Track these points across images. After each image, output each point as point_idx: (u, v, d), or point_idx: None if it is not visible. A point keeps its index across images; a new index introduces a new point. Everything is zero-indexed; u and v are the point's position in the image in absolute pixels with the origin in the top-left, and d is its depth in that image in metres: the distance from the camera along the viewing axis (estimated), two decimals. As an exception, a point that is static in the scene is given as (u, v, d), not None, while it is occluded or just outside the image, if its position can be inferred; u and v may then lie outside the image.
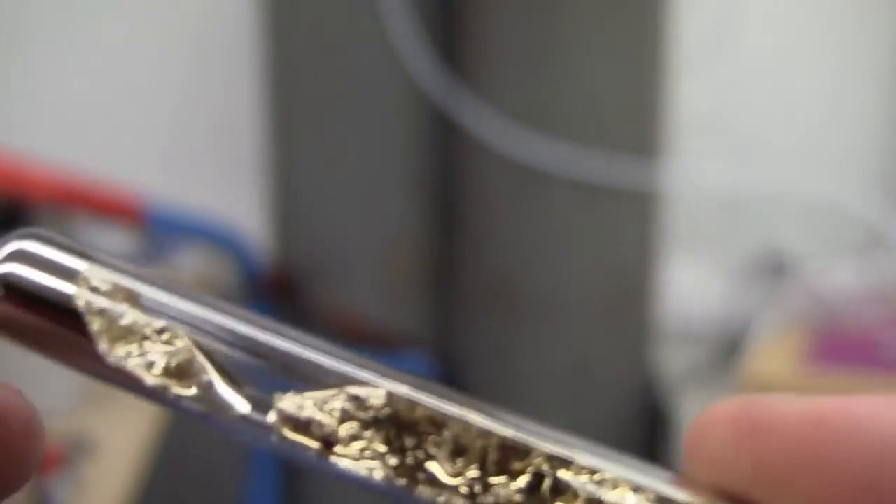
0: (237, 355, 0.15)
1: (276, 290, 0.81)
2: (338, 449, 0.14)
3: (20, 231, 0.15)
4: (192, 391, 0.15)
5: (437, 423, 0.14)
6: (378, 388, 0.14)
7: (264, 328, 0.15)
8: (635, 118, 0.78)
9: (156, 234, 0.84)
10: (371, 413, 0.14)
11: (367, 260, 0.79)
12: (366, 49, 0.77)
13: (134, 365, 0.15)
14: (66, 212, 0.78)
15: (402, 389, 0.14)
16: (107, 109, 0.99)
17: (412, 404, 0.14)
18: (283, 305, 0.81)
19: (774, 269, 0.85)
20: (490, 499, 0.14)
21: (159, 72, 0.99)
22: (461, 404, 0.14)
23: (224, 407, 0.15)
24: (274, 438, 0.15)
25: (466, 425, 0.14)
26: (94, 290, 0.15)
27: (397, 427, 0.14)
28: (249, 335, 0.15)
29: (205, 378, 0.15)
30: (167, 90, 0.99)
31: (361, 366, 0.15)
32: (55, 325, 0.15)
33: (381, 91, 0.78)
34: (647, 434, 0.83)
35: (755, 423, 0.13)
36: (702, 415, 0.13)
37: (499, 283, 0.79)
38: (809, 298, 0.76)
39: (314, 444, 0.14)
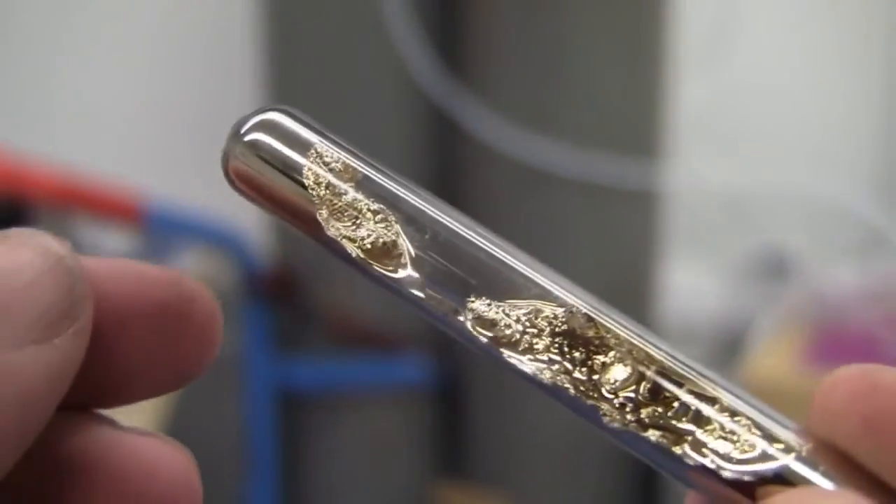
0: (438, 249, 0.17)
1: (276, 290, 0.81)
2: (512, 349, 0.16)
3: (269, 105, 0.17)
4: (392, 271, 0.17)
5: (606, 343, 0.16)
6: (561, 305, 0.17)
7: (469, 230, 0.17)
8: (636, 118, 0.78)
9: (156, 234, 0.84)
10: (551, 325, 0.17)
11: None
12: (366, 49, 0.77)
13: (345, 237, 0.17)
14: (66, 212, 0.78)
15: (582, 308, 0.17)
16: (107, 109, 0.99)
17: (589, 323, 0.17)
18: (283, 305, 0.81)
19: (774, 269, 0.86)
20: (638, 415, 0.16)
21: (159, 72, 0.99)
22: (630, 328, 0.17)
23: (412, 289, 0.17)
24: (458, 325, 0.17)
25: (631, 347, 0.16)
26: (326, 164, 0.17)
27: (571, 339, 0.16)
28: (453, 237, 0.17)
29: (403, 261, 0.17)
30: (167, 90, 0.99)
31: (552, 281, 0.17)
32: (288, 190, 0.17)
33: (381, 91, 0.78)
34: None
35: (872, 384, 0.15)
36: (831, 375, 0.15)
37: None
38: (809, 298, 0.76)
39: (489, 340, 0.16)
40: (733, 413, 0.15)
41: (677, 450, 0.15)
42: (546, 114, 0.76)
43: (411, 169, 0.81)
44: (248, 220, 0.86)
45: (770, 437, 0.15)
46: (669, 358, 0.16)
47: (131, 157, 0.98)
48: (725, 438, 0.15)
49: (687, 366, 0.16)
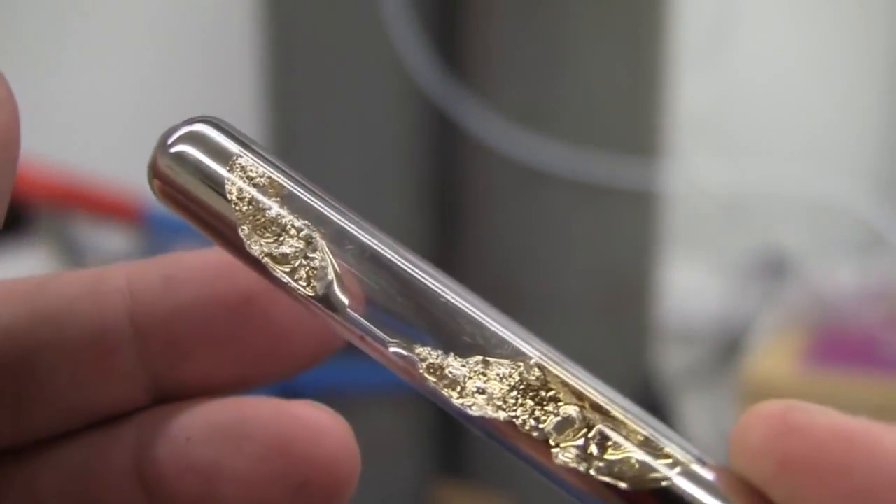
0: (369, 276, 0.16)
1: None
2: (454, 392, 0.16)
3: (198, 116, 0.17)
4: (312, 293, 0.16)
5: (559, 397, 0.16)
6: (513, 364, 0.16)
7: (399, 254, 0.16)
8: (635, 118, 0.78)
9: (156, 234, 0.84)
10: (504, 379, 0.16)
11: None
12: (366, 49, 0.77)
13: (266, 254, 0.16)
14: (65, 212, 0.78)
15: (534, 367, 0.16)
16: (107, 109, 0.99)
17: (543, 377, 0.16)
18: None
19: (774, 269, 0.85)
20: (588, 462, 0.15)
21: (159, 72, 0.99)
22: (579, 377, 0.16)
23: (339, 312, 0.16)
24: (393, 360, 0.16)
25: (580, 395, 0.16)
26: (250, 178, 0.16)
27: (521, 388, 0.16)
28: (383, 258, 0.16)
29: (328, 281, 0.16)
30: (167, 90, 0.99)
31: (495, 323, 0.16)
32: (210, 203, 0.16)
33: (381, 91, 0.78)
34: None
35: (791, 424, 0.14)
36: (751, 410, 0.15)
37: (498, 282, 0.79)
38: (809, 298, 0.76)
39: (430, 378, 0.16)
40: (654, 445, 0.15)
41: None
42: (546, 114, 0.76)
43: (411, 169, 0.81)
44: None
45: (659, 453, 0.15)
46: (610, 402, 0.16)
47: (131, 157, 0.98)
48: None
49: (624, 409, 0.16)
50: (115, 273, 0.18)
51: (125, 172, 0.87)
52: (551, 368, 0.16)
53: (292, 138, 0.81)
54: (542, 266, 0.79)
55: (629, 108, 0.77)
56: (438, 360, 0.16)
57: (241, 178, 0.16)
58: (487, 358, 0.16)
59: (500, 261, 0.80)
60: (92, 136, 0.99)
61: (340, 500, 0.19)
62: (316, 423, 0.18)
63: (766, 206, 0.89)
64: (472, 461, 0.83)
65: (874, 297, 0.75)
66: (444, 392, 0.16)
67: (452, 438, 0.83)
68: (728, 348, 0.81)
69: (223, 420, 0.17)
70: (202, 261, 0.19)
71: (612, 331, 0.80)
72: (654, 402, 0.82)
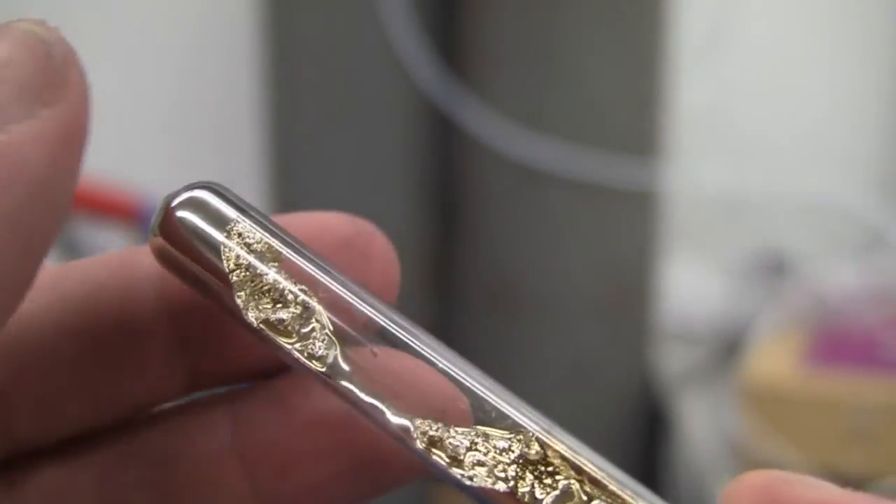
0: (366, 344, 0.16)
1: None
2: (456, 466, 0.16)
3: (199, 182, 0.17)
4: (310, 359, 0.16)
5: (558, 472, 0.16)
6: (512, 430, 0.16)
7: (403, 332, 0.16)
8: (635, 118, 0.78)
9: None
10: (504, 452, 0.16)
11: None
12: (366, 49, 0.77)
13: (264, 320, 0.16)
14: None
15: (534, 441, 0.16)
16: (106, 109, 0.99)
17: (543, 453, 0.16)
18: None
19: (774, 269, 0.85)
20: None
21: (159, 72, 0.99)
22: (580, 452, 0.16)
23: (341, 381, 0.16)
24: (393, 432, 0.16)
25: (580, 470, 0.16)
26: (247, 245, 0.16)
27: (522, 462, 0.16)
28: (389, 339, 0.16)
29: (325, 348, 0.16)
30: (167, 90, 0.99)
31: (499, 398, 0.16)
32: (208, 269, 0.16)
33: (381, 91, 0.78)
34: (646, 434, 0.83)
35: (776, 498, 0.14)
36: (736, 479, 0.15)
37: (498, 282, 0.79)
38: (809, 298, 0.76)
39: (431, 450, 0.16)
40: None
41: None
42: (545, 114, 0.76)
43: (410, 169, 0.81)
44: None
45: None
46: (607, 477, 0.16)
47: (131, 157, 0.98)
48: None
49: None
50: (144, 255, 0.18)
51: (125, 172, 0.87)
52: (550, 443, 0.16)
53: (292, 139, 0.81)
54: (542, 266, 0.79)
55: (629, 108, 0.77)
56: (438, 433, 0.16)
57: (239, 244, 0.16)
58: (487, 431, 0.16)
59: (499, 261, 0.80)
60: (92, 136, 0.98)
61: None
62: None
63: (766, 207, 0.89)
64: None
65: (874, 297, 0.75)
66: (442, 463, 0.16)
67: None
68: (728, 348, 0.81)
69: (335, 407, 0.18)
70: None
71: (612, 331, 0.80)
72: (653, 402, 0.82)
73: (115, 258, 0.18)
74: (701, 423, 0.74)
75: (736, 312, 0.84)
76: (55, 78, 0.15)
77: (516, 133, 0.74)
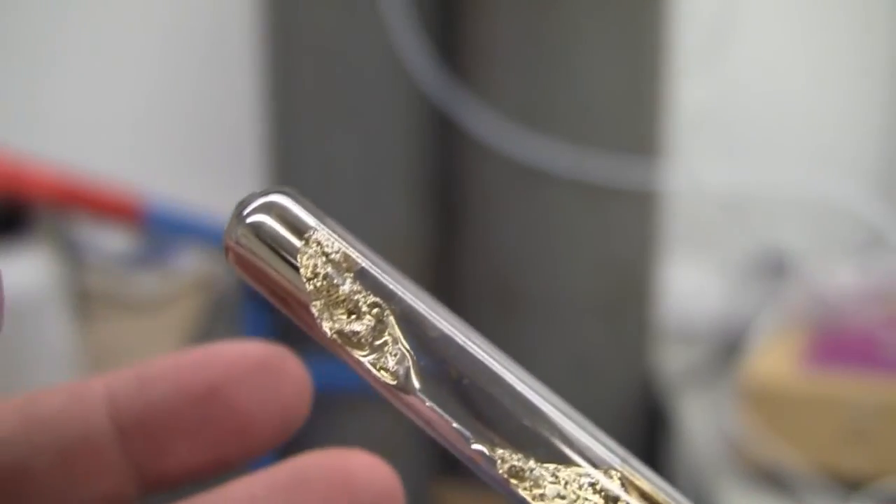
0: (443, 361, 0.16)
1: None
2: (537, 498, 0.16)
3: (273, 187, 0.17)
4: (384, 374, 0.16)
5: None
6: (593, 471, 0.16)
7: (480, 352, 0.16)
8: (635, 118, 0.78)
9: (156, 234, 0.84)
10: (584, 488, 0.16)
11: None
12: (366, 49, 0.77)
13: (338, 331, 0.16)
14: (65, 212, 0.78)
15: (615, 475, 0.16)
16: (106, 109, 0.99)
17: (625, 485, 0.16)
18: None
19: (774, 269, 0.85)
20: None
21: (159, 72, 0.99)
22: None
23: (411, 396, 0.16)
24: (472, 458, 0.16)
25: None
26: (325, 254, 0.16)
27: (605, 497, 0.16)
28: (466, 357, 0.16)
29: (399, 363, 0.16)
30: (167, 90, 0.99)
31: (582, 433, 0.16)
32: (285, 277, 0.16)
33: (381, 91, 0.78)
34: (646, 433, 0.83)
35: None
36: None
37: (498, 282, 0.79)
38: (809, 298, 0.76)
39: (511, 480, 0.16)
40: None
41: None
42: (546, 113, 0.76)
43: (411, 169, 0.81)
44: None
45: None
46: None
47: (131, 157, 0.98)
48: None
49: None
50: (95, 382, 0.20)
51: (125, 172, 0.87)
52: (632, 478, 0.16)
53: (293, 138, 0.81)
54: (542, 266, 0.79)
55: (629, 107, 0.77)
56: (520, 464, 0.16)
57: (317, 252, 0.16)
58: (569, 464, 0.16)
59: (499, 260, 0.80)
60: (92, 136, 0.99)
61: None
62: (369, 473, 0.20)
63: (766, 206, 0.89)
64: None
65: (874, 297, 0.75)
66: (523, 494, 0.16)
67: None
68: (728, 348, 0.81)
69: (283, 479, 0.20)
70: (172, 360, 0.20)
71: (612, 331, 0.80)
72: (653, 401, 0.82)
73: (71, 386, 0.20)
74: (701, 422, 0.74)
75: (736, 312, 0.84)
76: None
77: (516, 133, 0.74)
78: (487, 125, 0.75)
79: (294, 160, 0.81)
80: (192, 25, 0.97)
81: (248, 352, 0.20)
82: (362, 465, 0.20)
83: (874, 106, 0.96)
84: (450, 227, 0.82)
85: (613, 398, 0.81)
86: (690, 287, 0.89)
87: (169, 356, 0.21)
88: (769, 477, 0.66)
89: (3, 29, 0.96)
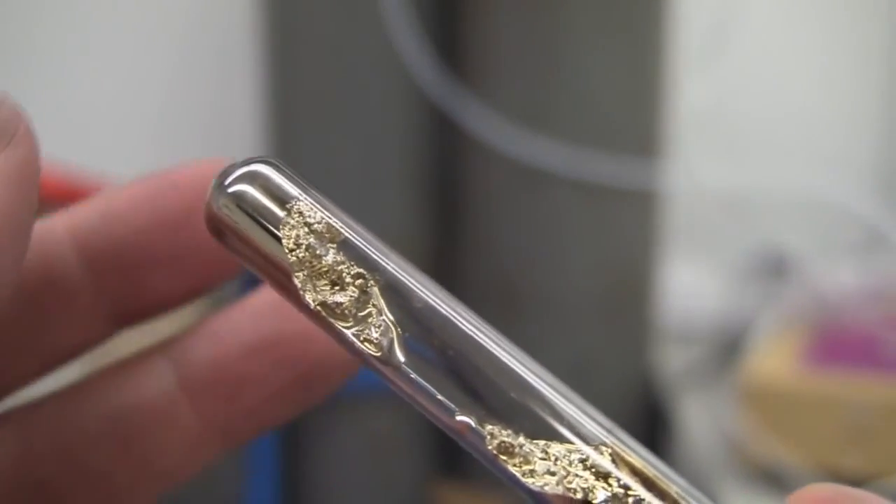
0: (429, 333, 0.16)
1: (276, 290, 0.81)
2: (528, 475, 0.16)
3: (257, 156, 0.17)
4: (367, 345, 0.16)
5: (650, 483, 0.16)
6: (585, 447, 0.16)
7: (469, 325, 0.16)
8: (635, 118, 0.78)
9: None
10: (575, 463, 0.16)
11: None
12: (366, 49, 0.77)
13: (321, 302, 0.16)
14: (66, 212, 0.78)
15: (607, 451, 0.16)
16: (107, 109, 0.99)
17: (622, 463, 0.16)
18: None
19: (774, 269, 0.85)
20: None
21: (159, 72, 0.99)
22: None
23: (396, 369, 0.16)
24: (461, 431, 0.16)
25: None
26: (308, 224, 0.16)
27: (597, 473, 0.16)
28: (453, 330, 0.16)
29: (383, 335, 0.16)
30: (167, 90, 0.99)
31: (574, 408, 0.16)
32: (267, 247, 0.16)
33: (381, 91, 0.78)
34: (646, 433, 0.83)
35: None
36: (802, 490, 0.15)
37: (499, 282, 0.79)
38: (809, 298, 0.76)
39: (501, 456, 0.16)
40: None
41: None
42: (546, 113, 0.76)
43: (410, 169, 0.81)
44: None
45: None
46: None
47: (131, 157, 0.98)
48: None
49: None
50: (55, 223, 0.19)
51: (125, 172, 0.87)
52: (623, 454, 0.16)
53: (292, 138, 0.81)
54: (542, 266, 0.79)
55: (629, 107, 0.77)
56: (509, 440, 0.16)
57: (299, 222, 0.16)
58: (559, 439, 0.16)
59: (499, 261, 0.80)
60: (92, 136, 0.99)
61: (336, 385, 0.20)
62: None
63: (766, 206, 0.89)
64: (472, 461, 0.82)
65: (874, 296, 0.75)
66: (512, 470, 0.16)
67: (453, 439, 0.83)
68: (728, 348, 0.81)
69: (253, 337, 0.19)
70: (138, 187, 0.19)
71: (612, 331, 0.80)
72: (653, 401, 0.82)
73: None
74: (701, 422, 0.74)
75: (736, 312, 0.84)
76: (7, 129, 0.17)
77: (516, 133, 0.74)
78: (488, 125, 0.75)
79: (294, 160, 0.81)
80: (192, 25, 0.97)
81: (221, 165, 0.19)
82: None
83: (874, 106, 0.96)
84: (449, 226, 0.82)
85: (613, 398, 0.81)
86: (690, 287, 0.89)
87: (132, 183, 0.20)
88: (769, 477, 0.66)
89: (1, 28, 0.96)
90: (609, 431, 0.16)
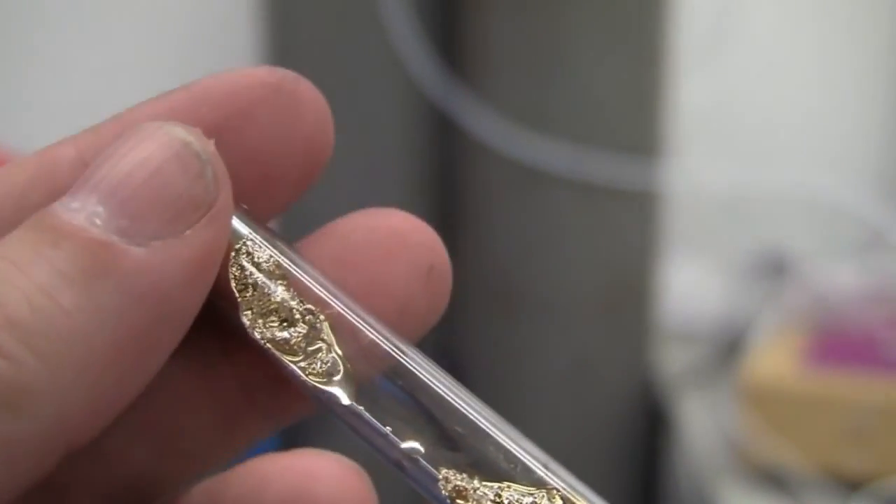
0: (377, 370, 0.16)
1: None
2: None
3: None
4: (316, 381, 0.16)
5: None
6: (536, 492, 0.16)
7: (420, 369, 0.16)
8: (635, 118, 0.78)
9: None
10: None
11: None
12: (366, 49, 0.77)
13: (269, 339, 0.16)
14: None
15: (557, 497, 0.16)
16: (107, 110, 0.99)
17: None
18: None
19: (774, 269, 0.85)
20: None
21: (158, 72, 0.99)
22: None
23: (344, 406, 0.16)
24: (405, 466, 0.16)
25: None
26: (256, 263, 0.16)
27: None
28: (403, 373, 0.16)
29: (332, 371, 0.16)
30: (167, 88, 0.99)
31: (518, 447, 0.16)
32: (215, 287, 0.16)
33: (381, 91, 0.78)
34: (646, 433, 0.83)
35: None
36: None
37: (499, 282, 0.79)
38: (809, 298, 0.76)
39: (453, 497, 0.16)
40: None
41: None
42: (545, 113, 0.76)
43: (410, 169, 0.81)
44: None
45: None
46: None
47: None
48: None
49: None
50: (64, 149, 0.17)
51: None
52: (574, 499, 0.16)
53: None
54: (542, 266, 0.79)
55: (629, 107, 0.77)
56: (464, 483, 0.16)
57: (248, 261, 0.16)
58: (512, 485, 0.16)
59: (499, 261, 0.80)
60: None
61: None
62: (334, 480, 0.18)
63: (766, 206, 0.89)
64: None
65: (874, 297, 0.75)
66: None
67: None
68: (728, 348, 0.81)
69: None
70: (158, 104, 0.17)
71: (612, 331, 0.80)
72: (653, 401, 0.82)
73: (36, 158, 0.17)
74: (701, 422, 0.74)
75: (736, 312, 0.84)
76: (205, 199, 0.15)
77: (516, 133, 0.74)
78: (487, 125, 0.75)
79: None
80: (192, 24, 0.97)
81: (254, 78, 0.18)
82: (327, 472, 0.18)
83: (875, 106, 0.96)
84: (449, 226, 0.82)
85: (613, 398, 0.81)
86: (690, 287, 0.89)
87: (150, 101, 0.17)
88: (769, 477, 0.65)
89: (2, 28, 0.96)
90: (563, 479, 0.16)
